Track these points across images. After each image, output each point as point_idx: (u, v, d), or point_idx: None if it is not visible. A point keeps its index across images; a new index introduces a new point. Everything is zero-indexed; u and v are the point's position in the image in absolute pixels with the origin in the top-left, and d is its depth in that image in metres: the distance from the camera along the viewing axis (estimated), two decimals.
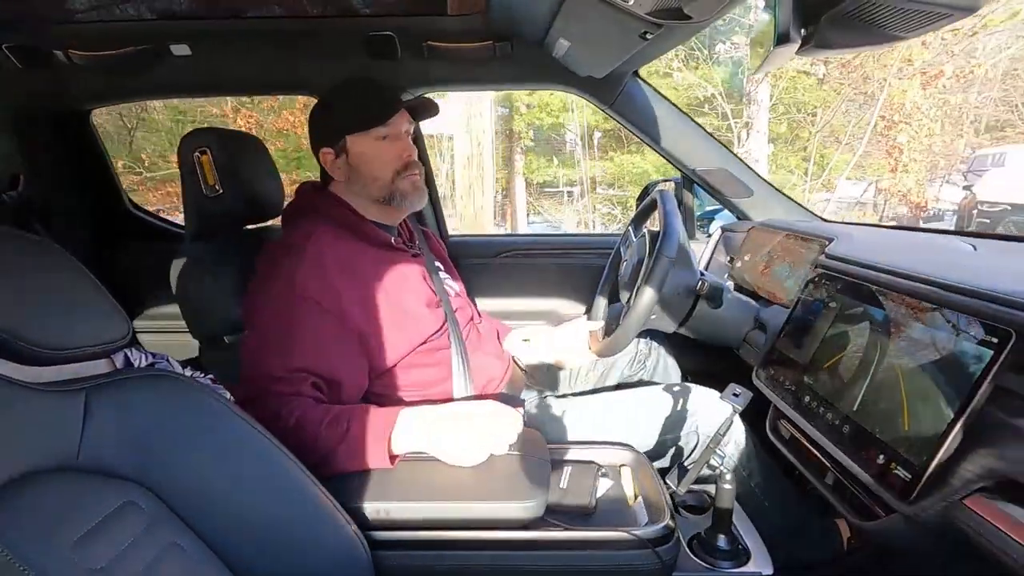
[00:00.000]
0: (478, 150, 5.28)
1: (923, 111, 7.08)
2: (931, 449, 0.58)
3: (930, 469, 0.57)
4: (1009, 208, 6.31)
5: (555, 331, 1.25)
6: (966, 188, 7.48)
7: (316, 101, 1.09)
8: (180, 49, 1.36)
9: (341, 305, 0.91)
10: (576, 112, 8.49)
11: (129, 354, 1.16)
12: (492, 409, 0.85)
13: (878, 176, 7.87)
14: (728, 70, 7.89)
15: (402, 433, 0.84)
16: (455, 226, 5.27)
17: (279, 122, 6.30)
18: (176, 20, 1.28)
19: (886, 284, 0.76)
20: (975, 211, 6.65)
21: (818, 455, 0.80)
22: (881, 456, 0.64)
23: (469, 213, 5.37)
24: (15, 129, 1.55)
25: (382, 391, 1.00)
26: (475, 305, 1.32)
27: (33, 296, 0.57)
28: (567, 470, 0.92)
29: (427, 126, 1.15)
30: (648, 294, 1.01)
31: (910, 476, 0.59)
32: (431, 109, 1.09)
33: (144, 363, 1.19)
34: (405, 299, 1.00)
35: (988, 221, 6.38)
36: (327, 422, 0.83)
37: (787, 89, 7.86)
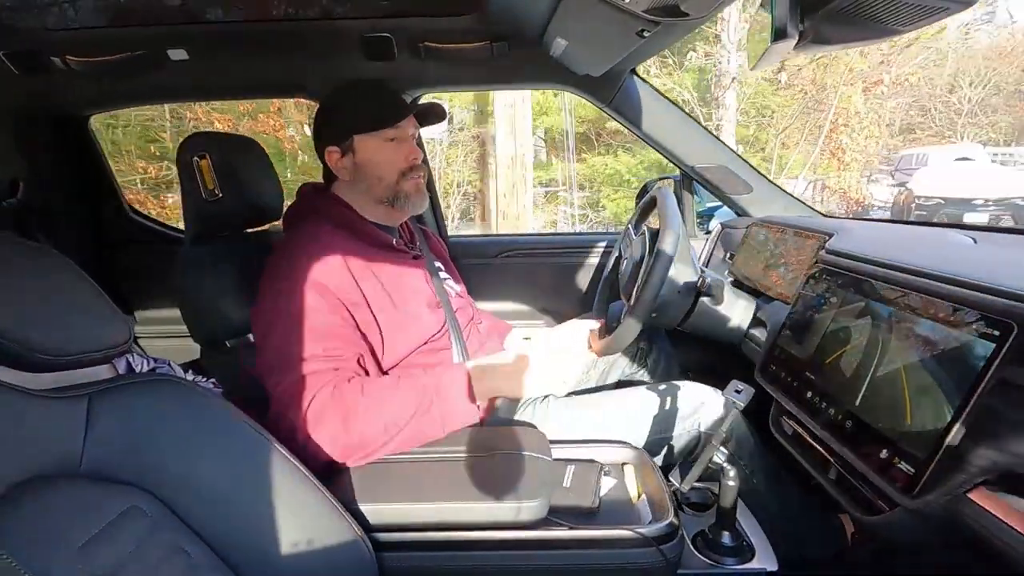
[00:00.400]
0: (520, 151, 5.50)
1: (861, 115, 8.13)
2: (934, 443, 0.58)
3: (933, 463, 0.57)
4: (943, 202, 7.36)
5: (553, 331, 1.26)
6: (900, 185, 8.87)
7: (318, 102, 1.09)
8: (177, 54, 1.36)
9: (351, 298, 0.93)
10: (550, 115, 9.04)
11: (131, 359, 1.16)
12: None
13: (827, 175, 8.66)
14: (696, 77, 8.39)
15: (477, 380, 0.92)
16: (498, 225, 5.64)
17: (256, 125, 6.39)
18: (173, 25, 1.28)
19: (887, 278, 0.76)
20: (913, 205, 7.61)
21: (821, 450, 0.80)
22: (884, 450, 0.64)
23: (512, 212, 5.57)
24: (14, 135, 1.55)
25: None
26: (474, 305, 1.32)
27: (34, 302, 0.57)
28: (570, 469, 0.92)
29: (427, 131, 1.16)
30: (649, 292, 1.01)
31: (913, 470, 0.59)
32: (440, 114, 1.10)
33: (146, 368, 1.19)
34: (406, 300, 1.01)
35: (925, 213, 7.36)
36: (400, 387, 0.89)
37: (751, 96, 8.58)
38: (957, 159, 9.61)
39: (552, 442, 0.93)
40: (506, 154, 5.39)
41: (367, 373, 0.96)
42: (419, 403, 0.88)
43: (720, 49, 7.48)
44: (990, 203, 7.23)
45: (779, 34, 0.60)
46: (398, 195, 1.04)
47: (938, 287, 0.67)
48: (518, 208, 5.50)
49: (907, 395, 0.64)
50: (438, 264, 1.21)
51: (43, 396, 0.56)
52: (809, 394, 0.81)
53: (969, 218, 6.90)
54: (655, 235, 1.07)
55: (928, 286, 0.69)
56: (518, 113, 5.37)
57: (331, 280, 0.91)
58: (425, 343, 1.02)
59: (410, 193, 1.05)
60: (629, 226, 1.37)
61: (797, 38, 0.62)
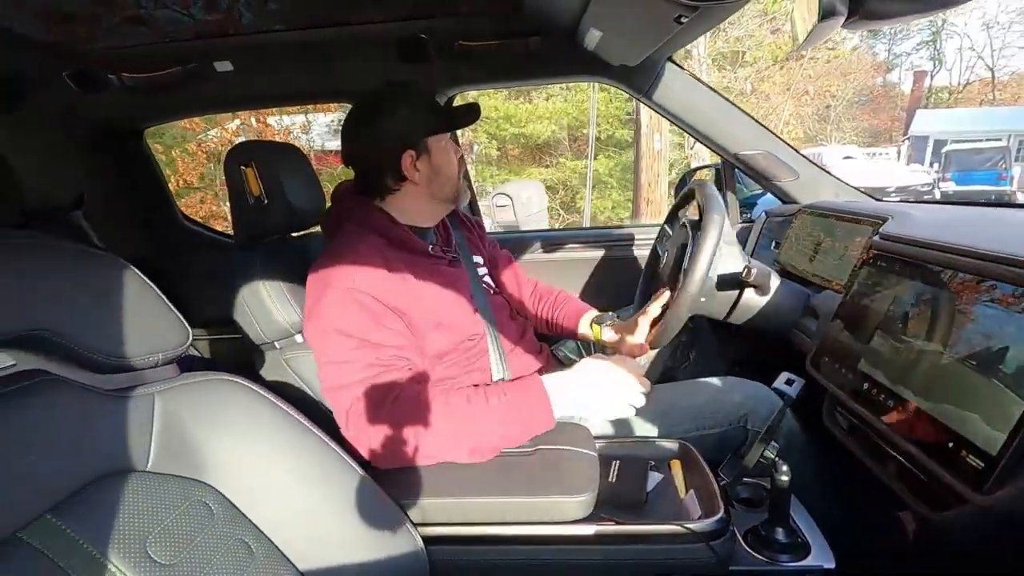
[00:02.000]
0: (658, 146, 6.46)
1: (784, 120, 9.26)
2: (1006, 434, 0.55)
3: (1006, 456, 0.54)
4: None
5: (622, 321, 1.23)
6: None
7: (355, 106, 1.08)
8: (223, 66, 1.41)
9: (397, 304, 0.93)
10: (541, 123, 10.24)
11: (189, 359, 1.22)
12: (617, 366, 0.92)
13: None
14: None
15: (554, 394, 0.89)
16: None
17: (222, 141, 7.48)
18: (217, 38, 1.33)
19: (947, 263, 0.72)
20: None
21: (881, 443, 0.77)
22: (951, 443, 0.61)
23: (656, 198, 6.56)
24: (78, 150, 1.64)
25: None
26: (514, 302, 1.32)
27: (101, 307, 0.60)
28: (616, 464, 0.91)
29: None
30: (694, 283, 0.99)
31: (983, 464, 0.56)
32: (477, 115, 1.09)
33: (204, 368, 1.25)
34: (441, 308, 1.01)
35: None
36: (464, 397, 0.88)
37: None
38: (844, 157, 11.68)
39: (596, 438, 0.92)
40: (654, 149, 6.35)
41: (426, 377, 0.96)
42: (501, 420, 0.87)
43: (692, 63, 7.88)
44: (892, 191, 8.83)
45: (828, 11, 0.57)
46: (459, 191, 1.09)
47: (1003, 269, 0.63)
48: (660, 194, 6.59)
49: (974, 384, 0.61)
50: (477, 259, 1.21)
51: (113, 395, 0.59)
52: (866, 385, 0.78)
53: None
54: (697, 223, 1.05)
55: (992, 269, 0.65)
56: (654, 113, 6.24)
57: (376, 288, 0.91)
58: (461, 348, 1.02)
59: (464, 189, 1.10)
60: (665, 225, 1.35)
61: (846, 15, 0.60)
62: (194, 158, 7.68)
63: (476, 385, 1.00)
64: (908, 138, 18.58)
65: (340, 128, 1.07)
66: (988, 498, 0.56)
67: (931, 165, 14.47)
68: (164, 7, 1.16)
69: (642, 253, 1.75)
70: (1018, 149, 15.77)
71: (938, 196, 11.35)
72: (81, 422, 0.56)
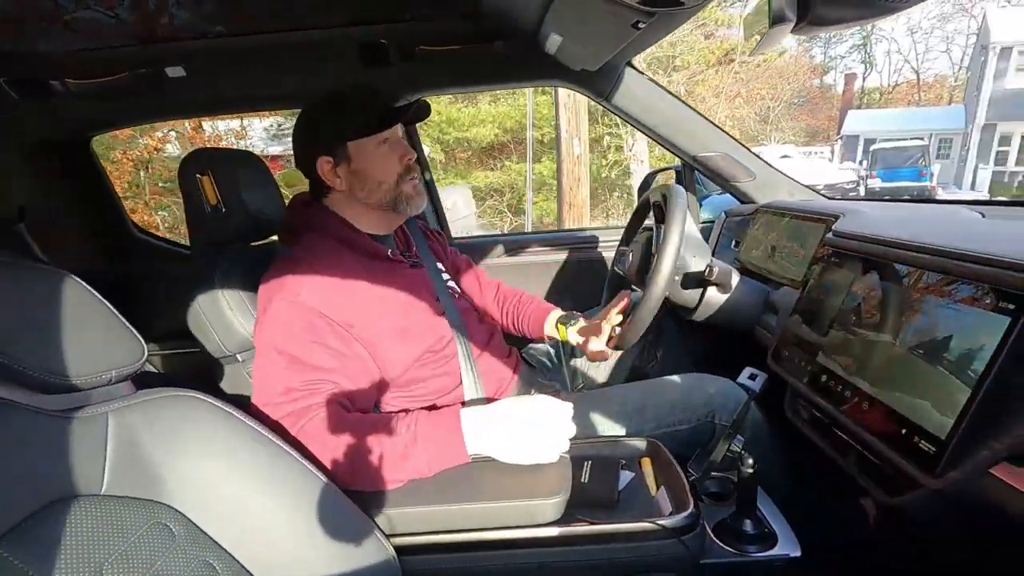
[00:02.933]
0: (577, 150, 6.44)
1: (720, 122, 10.03)
2: (954, 420, 0.57)
3: (954, 439, 0.57)
4: None
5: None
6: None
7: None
8: (175, 71, 1.36)
9: (345, 318, 0.90)
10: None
11: (145, 376, 1.17)
12: (546, 408, 0.85)
13: None
14: None
15: (470, 434, 0.83)
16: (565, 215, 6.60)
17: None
18: (169, 43, 1.29)
19: (896, 257, 0.76)
20: None
21: (840, 433, 0.80)
22: (904, 430, 0.63)
23: (578, 202, 6.52)
24: (19, 160, 1.56)
25: (392, 403, 1.00)
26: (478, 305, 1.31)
27: (46, 324, 0.57)
28: (587, 465, 0.92)
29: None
30: (658, 284, 1.01)
31: (934, 448, 0.59)
32: (426, 111, 1.08)
33: (160, 383, 1.20)
34: (406, 313, 0.99)
35: None
36: (373, 427, 0.82)
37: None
38: (781, 157, 12.30)
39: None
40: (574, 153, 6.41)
41: (374, 391, 0.95)
42: (401, 450, 0.82)
43: None
44: (822, 188, 9.69)
45: (777, 18, 0.59)
46: (399, 198, 1.03)
47: (949, 263, 0.67)
48: (581, 198, 6.55)
49: (924, 373, 0.64)
50: (440, 266, 1.20)
51: (61, 416, 0.56)
52: (824, 377, 0.80)
53: None
54: (663, 221, 1.07)
55: (939, 263, 0.68)
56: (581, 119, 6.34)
57: (324, 302, 0.89)
58: (429, 352, 1.01)
59: (410, 195, 1.04)
60: (630, 225, 1.37)
61: (795, 21, 0.62)
62: (119, 167, 7.36)
63: (406, 410, 0.95)
64: (841, 137, 20.16)
65: (278, 133, 1.06)
66: (940, 480, 0.58)
67: (861, 163, 15.62)
68: (91, 9, 1.11)
69: (608, 255, 1.77)
70: (938, 147, 17.56)
71: (862, 193, 12.49)
72: (29, 446, 0.53)
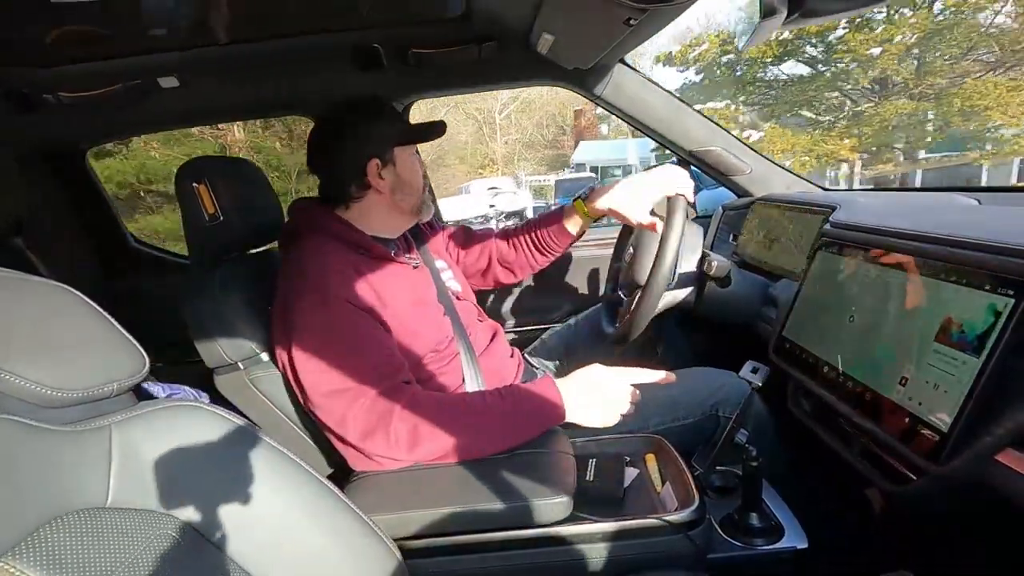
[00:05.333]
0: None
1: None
2: (957, 407, 0.57)
3: (958, 427, 0.57)
4: None
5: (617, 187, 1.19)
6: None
7: (313, 118, 1.08)
8: (168, 81, 1.36)
9: (371, 309, 0.94)
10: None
11: (148, 387, 1.17)
12: (610, 375, 0.93)
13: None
14: None
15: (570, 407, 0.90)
16: None
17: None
18: (161, 53, 1.29)
19: (894, 246, 0.76)
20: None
21: (843, 424, 0.80)
22: (907, 419, 0.63)
23: None
24: (14, 174, 1.56)
25: None
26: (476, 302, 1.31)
27: (48, 339, 0.57)
28: (592, 462, 0.92)
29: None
30: (659, 279, 1.01)
31: (938, 436, 0.59)
32: (442, 131, 1.11)
33: (163, 395, 1.20)
34: (409, 314, 1.00)
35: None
36: (466, 401, 0.89)
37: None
38: (489, 188, 14.88)
39: (570, 437, 0.93)
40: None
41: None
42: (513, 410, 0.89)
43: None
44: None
45: (768, 11, 0.59)
46: (423, 203, 1.10)
47: (947, 251, 0.67)
48: None
49: (925, 361, 0.64)
50: (439, 264, 1.21)
51: (63, 431, 0.56)
52: (825, 369, 0.80)
53: None
54: (663, 217, 1.07)
55: (937, 251, 0.68)
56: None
57: (352, 295, 0.92)
58: (433, 352, 1.02)
59: (428, 202, 1.12)
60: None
61: (786, 14, 0.62)
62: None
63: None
64: (572, 166, 23.59)
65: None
66: (945, 468, 0.58)
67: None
68: (84, 22, 1.11)
69: (604, 252, 1.77)
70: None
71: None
72: (32, 461, 0.52)
